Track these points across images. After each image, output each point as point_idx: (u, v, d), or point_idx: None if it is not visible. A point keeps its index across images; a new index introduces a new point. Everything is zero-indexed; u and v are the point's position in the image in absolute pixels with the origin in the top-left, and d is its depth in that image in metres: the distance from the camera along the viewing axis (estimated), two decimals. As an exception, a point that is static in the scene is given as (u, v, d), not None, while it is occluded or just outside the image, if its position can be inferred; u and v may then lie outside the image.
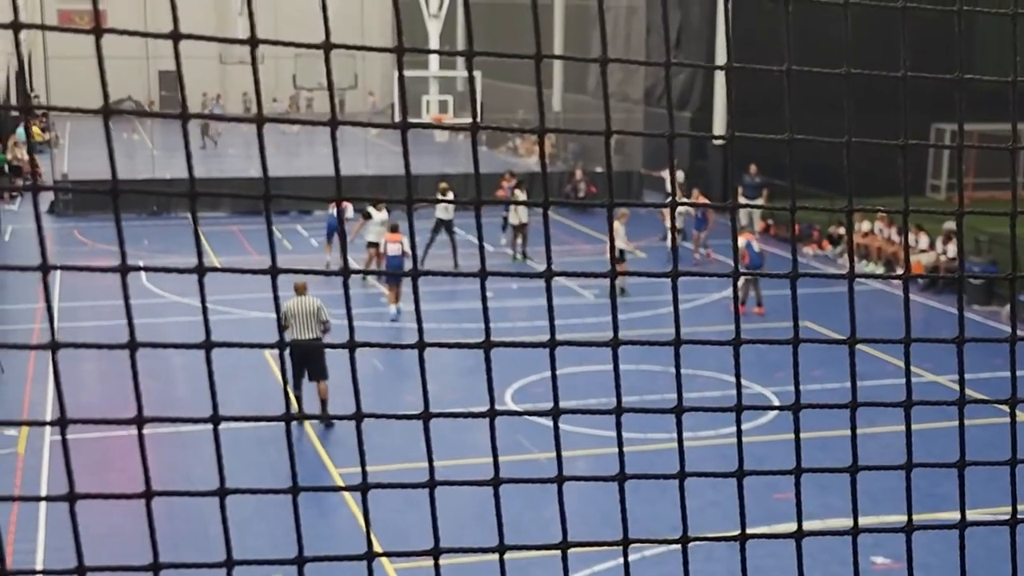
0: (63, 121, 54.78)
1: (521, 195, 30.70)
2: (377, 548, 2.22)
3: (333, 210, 28.73)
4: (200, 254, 2.03)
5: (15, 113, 47.19)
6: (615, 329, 2.24)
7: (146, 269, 2.07)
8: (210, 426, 2.07)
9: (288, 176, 37.50)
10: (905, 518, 2.55)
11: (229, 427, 2.07)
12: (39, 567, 12.61)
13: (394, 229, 25.14)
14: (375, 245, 26.37)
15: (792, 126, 2.25)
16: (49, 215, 35.78)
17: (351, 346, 2.15)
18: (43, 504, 14.63)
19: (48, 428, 17.06)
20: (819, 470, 2.44)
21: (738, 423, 2.33)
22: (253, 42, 2.02)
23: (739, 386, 2.38)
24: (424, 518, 2.41)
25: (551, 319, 2.22)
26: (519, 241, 30.14)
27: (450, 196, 29.74)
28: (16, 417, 17.36)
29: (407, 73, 36.09)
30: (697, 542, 2.40)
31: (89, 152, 45.33)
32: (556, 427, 2.30)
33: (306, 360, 17.53)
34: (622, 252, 26.28)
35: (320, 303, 18.03)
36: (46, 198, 37.17)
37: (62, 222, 34.85)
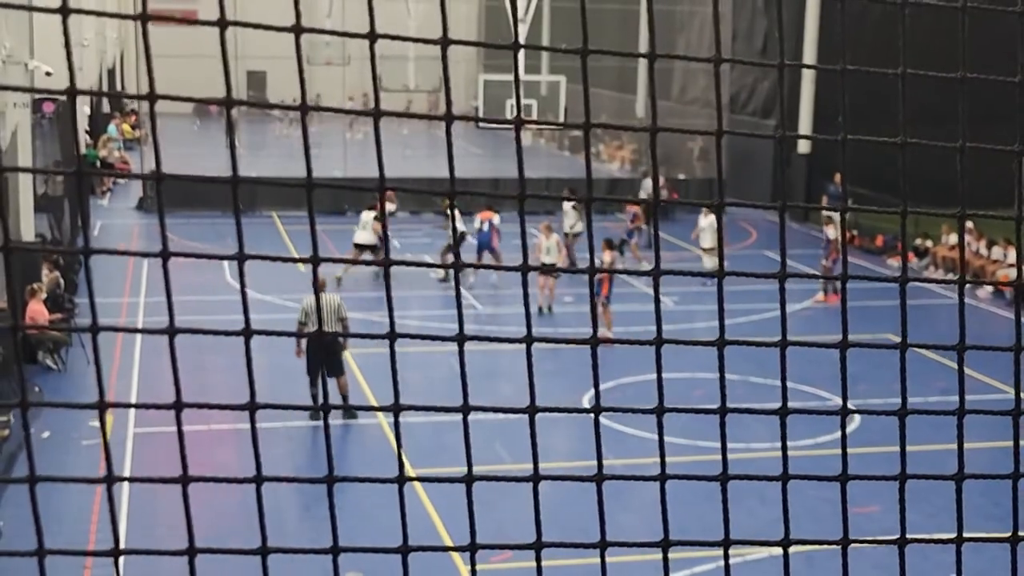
0: (153, 119, 55.63)
1: (571, 210, 30.09)
2: (447, 538, 2.23)
3: (480, 223, 27.94)
4: (241, 237, 2.05)
5: (108, 110, 48.06)
6: (721, 328, 2.24)
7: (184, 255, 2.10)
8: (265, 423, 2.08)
9: (364, 176, 37.77)
10: (986, 535, 2.50)
11: (262, 425, 2.08)
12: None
13: None
14: (360, 247, 27.62)
15: (905, 129, 2.21)
16: (137, 211, 36.45)
17: (391, 336, 2.16)
18: (125, 495, 14.87)
19: (132, 422, 17.34)
20: (926, 477, 2.38)
21: (843, 428, 2.30)
22: (372, 36, 2.05)
23: (844, 387, 2.35)
24: (500, 521, 2.40)
25: (658, 318, 2.22)
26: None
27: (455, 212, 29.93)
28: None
29: (491, 77, 36.25)
30: (798, 546, 2.38)
31: (178, 149, 46.06)
32: (660, 425, 2.31)
33: (326, 356, 17.44)
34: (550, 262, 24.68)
35: (340, 300, 18.04)
36: (134, 194, 37.86)
37: (149, 218, 35.47)
